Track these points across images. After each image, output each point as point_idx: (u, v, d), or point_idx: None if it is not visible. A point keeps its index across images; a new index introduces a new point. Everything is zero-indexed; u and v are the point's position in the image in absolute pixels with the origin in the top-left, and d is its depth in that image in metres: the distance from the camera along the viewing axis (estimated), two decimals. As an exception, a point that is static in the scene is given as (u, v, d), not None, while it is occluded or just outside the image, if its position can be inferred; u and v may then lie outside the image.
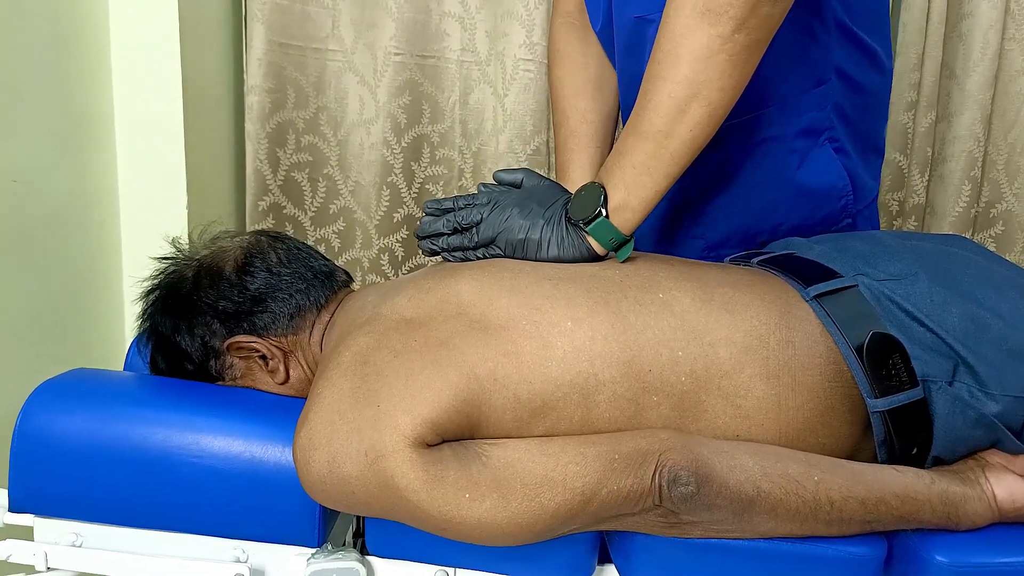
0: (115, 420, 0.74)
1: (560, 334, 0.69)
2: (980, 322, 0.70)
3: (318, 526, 0.74)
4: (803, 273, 0.75)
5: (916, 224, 1.63)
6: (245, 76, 1.48)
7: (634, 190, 0.75)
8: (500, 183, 0.84)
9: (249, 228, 1.55)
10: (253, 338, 0.78)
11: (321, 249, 1.62)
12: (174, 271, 0.82)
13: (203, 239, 0.85)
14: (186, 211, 1.29)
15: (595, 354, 0.69)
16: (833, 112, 0.88)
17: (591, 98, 1.03)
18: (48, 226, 1.13)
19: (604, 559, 0.76)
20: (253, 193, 1.54)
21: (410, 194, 1.60)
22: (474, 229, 0.79)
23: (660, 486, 0.65)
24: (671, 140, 0.72)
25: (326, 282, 0.82)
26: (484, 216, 0.78)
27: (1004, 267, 0.77)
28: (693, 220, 0.98)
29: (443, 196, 1.62)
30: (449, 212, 0.81)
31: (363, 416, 0.66)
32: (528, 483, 0.65)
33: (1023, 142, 1.57)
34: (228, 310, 0.78)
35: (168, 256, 0.84)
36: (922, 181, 1.59)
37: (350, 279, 0.87)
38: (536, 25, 1.50)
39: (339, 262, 1.63)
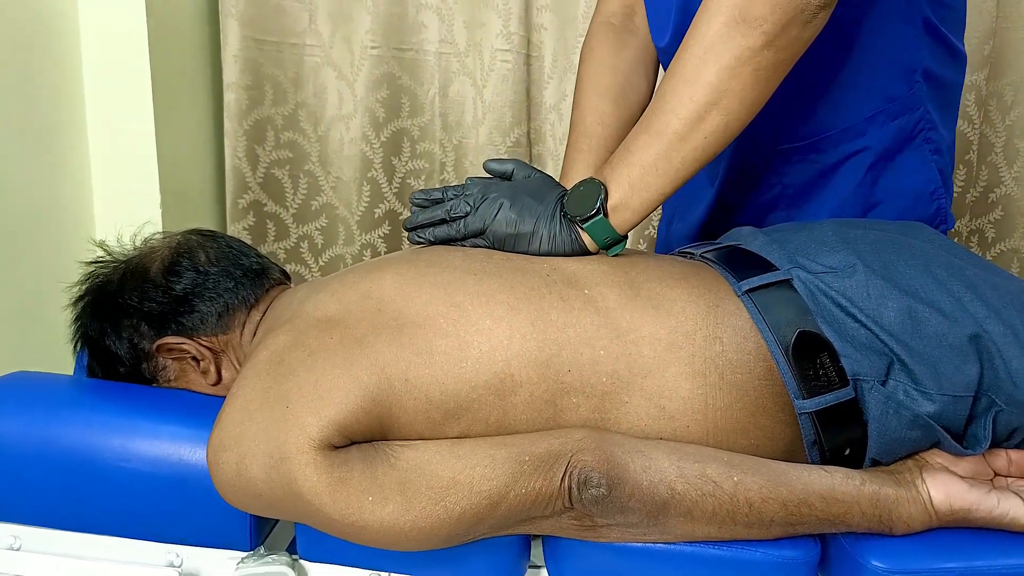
0: (48, 423, 0.74)
1: (478, 332, 0.67)
2: (917, 317, 0.67)
3: (250, 529, 0.73)
4: (740, 266, 0.73)
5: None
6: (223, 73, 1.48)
7: (637, 190, 0.74)
8: (490, 173, 0.82)
9: (230, 226, 1.55)
10: (182, 339, 0.78)
11: (304, 246, 1.62)
12: (101, 275, 0.82)
13: (135, 240, 0.84)
14: (160, 210, 1.30)
15: (512, 354, 0.67)
16: (926, 111, 0.88)
17: (613, 102, 1.00)
18: (19, 226, 1.13)
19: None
20: (232, 191, 1.54)
21: (391, 189, 1.58)
22: (462, 220, 0.77)
23: (570, 488, 0.64)
24: (685, 144, 0.72)
25: (256, 280, 0.81)
26: (473, 207, 0.77)
27: (956, 256, 0.73)
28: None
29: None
30: (438, 202, 0.80)
31: (272, 417, 0.65)
32: (434, 486, 0.63)
33: (1022, 125, 1.52)
34: (154, 311, 0.78)
35: (96, 260, 0.83)
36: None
37: (286, 276, 0.86)
38: (513, 14, 1.47)
39: (322, 259, 1.62)
